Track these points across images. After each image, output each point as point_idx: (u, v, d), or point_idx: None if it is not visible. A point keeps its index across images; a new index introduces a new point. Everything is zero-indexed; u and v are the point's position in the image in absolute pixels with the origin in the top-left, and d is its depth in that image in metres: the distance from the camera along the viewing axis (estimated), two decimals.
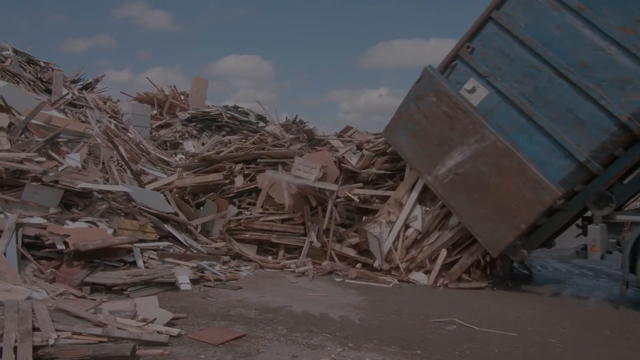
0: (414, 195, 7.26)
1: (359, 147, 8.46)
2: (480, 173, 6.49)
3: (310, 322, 5.00)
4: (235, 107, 16.96)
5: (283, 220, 8.06)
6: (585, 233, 6.97)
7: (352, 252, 7.45)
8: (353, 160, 8.07)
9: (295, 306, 5.55)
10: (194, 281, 6.20)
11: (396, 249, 7.12)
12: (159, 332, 4.24)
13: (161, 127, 15.44)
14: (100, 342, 3.76)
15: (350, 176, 7.99)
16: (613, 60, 5.90)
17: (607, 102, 5.91)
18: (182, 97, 17.19)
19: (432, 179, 6.93)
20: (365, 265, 7.32)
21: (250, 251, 7.92)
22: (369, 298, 6.08)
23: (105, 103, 13.95)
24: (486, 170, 6.44)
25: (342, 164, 7.99)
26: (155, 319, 4.50)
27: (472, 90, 6.72)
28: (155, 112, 16.00)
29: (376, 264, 7.14)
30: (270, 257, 7.88)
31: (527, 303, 6.13)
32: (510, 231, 6.37)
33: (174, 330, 4.38)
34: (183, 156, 13.44)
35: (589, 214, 6.75)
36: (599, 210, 6.29)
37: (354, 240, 7.49)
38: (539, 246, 6.93)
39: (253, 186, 8.46)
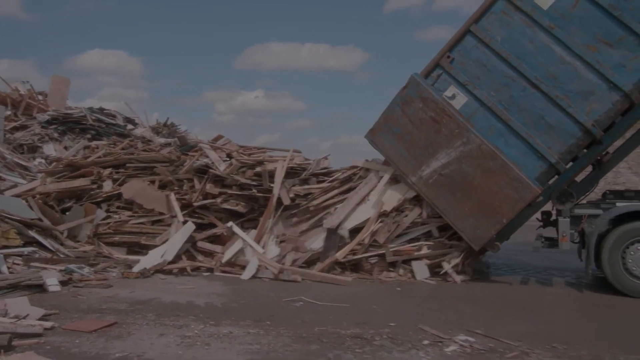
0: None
1: (229, 156, 8.87)
2: (465, 173, 7.07)
3: (178, 309, 5.50)
4: (101, 109, 15.68)
5: (154, 222, 8.37)
6: (546, 226, 7.89)
7: (218, 249, 7.92)
8: (221, 167, 8.46)
9: (164, 298, 6.02)
10: (63, 283, 6.35)
11: None
12: (32, 326, 4.48)
13: (16, 129, 13.94)
14: None
15: (217, 180, 8.43)
16: (579, 73, 6.74)
17: (574, 111, 6.75)
18: (40, 97, 15.70)
19: (417, 180, 7.40)
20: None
21: (120, 253, 8.10)
22: (232, 287, 6.76)
23: None
24: (471, 171, 7.04)
25: (210, 169, 8.41)
26: (27, 314, 4.72)
27: (453, 97, 7.28)
28: (9, 112, 14.36)
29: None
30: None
31: (371, 286, 7.11)
32: (493, 226, 7.03)
33: (48, 323, 4.61)
34: (43, 160, 12.38)
35: (545, 209, 7.71)
36: (562, 205, 7.16)
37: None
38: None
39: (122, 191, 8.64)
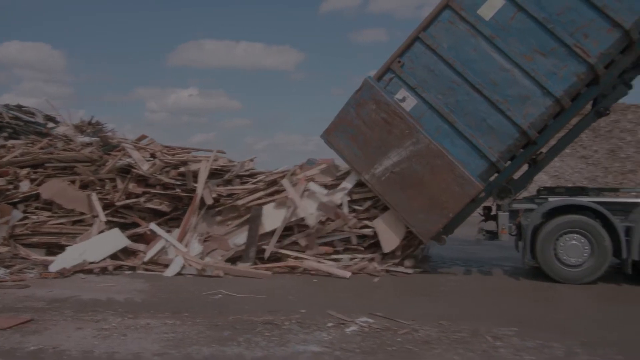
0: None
1: (153, 156, 9.01)
2: (415, 171, 7.56)
3: (97, 305, 5.68)
4: (19, 107, 15.14)
5: (74, 223, 8.42)
6: (487, 220, 8.53)
7: (141, 247, 8.10)
8: (144, 167, 8.59)
9: (83, 295, 6.15)
10: None
11: None
12: None
13: None
14: None
15: (140, 180, 8.57)
16: (516, 80, 7.36)
17: (512, 114, 7.37)
18: None
19: (370, 177, 7.83)
20: None
21: (38, 254, 8.07)
22: (154, 284, 6.99)
23: None
24: (420, 169, 7.53)
25: (133, 169, 8.53)
26: None
27: (403, 100, 7.76)
28: None
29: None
30: None
31: (290, 279, 7.53)
32: (440, 220, 7.56)
33: None
34: None
35: (486, 204, 8.36)
36: (501, 200, 7.81)
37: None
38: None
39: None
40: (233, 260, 8.05)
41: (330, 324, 5.15)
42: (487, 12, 7.43)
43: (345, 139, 7.95)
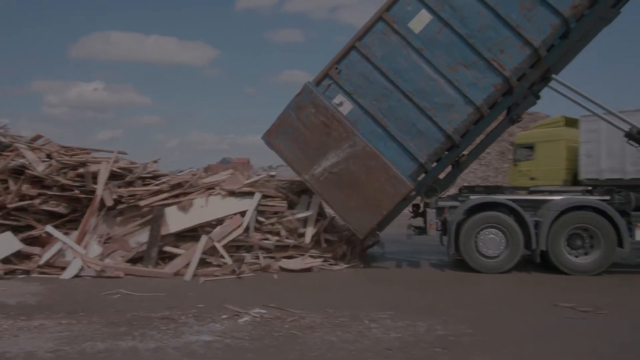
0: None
1: (49, 156, 8.83)
2: (352, 172, 8.07)
3: None
4: None
5: None
6: (415, 216, 9.24)
7: (36, 251, 8.07)
8: (40, 167, 8.45)
9: None
10: None
11: None
12: None
13: None
14: None
15: (35, 181, 8.43)
16: (442, 89, 8.08)
17: (438, 120, 8.08)
18: None
19: (309, 177, 8.25)
20: None
21: None
22: (49, 287, 7.02)
23: None
24: (357, 169, 8.05)
25: (27, 170, 8.35)
26: None
27: (340, 104, 8.25)
28: None
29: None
30: None
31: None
32: (375, 217, 8.13)
33: None
34: None
35: (415, 202, 9.07)
36: (429, 198, 8.52)
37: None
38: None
39: None
40: (135, 260, 8.09)
41: (224, 316, 5.53)
42: (416, 25, 8.09)
43: (285, 140, 8.31)
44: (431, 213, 8.39)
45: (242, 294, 6.64)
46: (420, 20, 8.08)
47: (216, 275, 7.71)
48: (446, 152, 8.48)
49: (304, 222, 8.70)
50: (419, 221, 9.04)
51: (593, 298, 6.48)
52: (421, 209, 9.05)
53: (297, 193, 9.25)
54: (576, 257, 8.02)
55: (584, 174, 12.22)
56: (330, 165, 8.15)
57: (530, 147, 16.04)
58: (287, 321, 5.37)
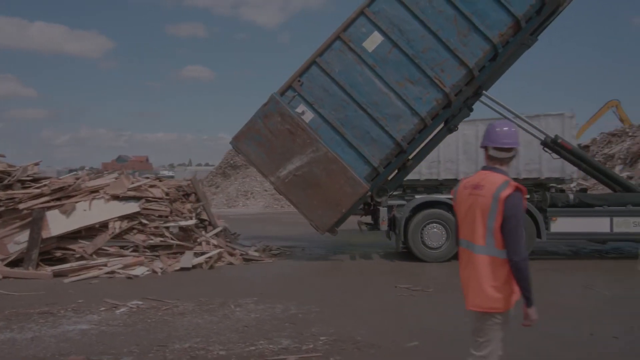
0: None
1: None
2: (314, 174, 8.99)
3: None
4: None
5: None
6: (366, 214, 10.32)
7: None
8: None
9: None
10: None
11: None
12: None
13: None
14: None
15: None
16: (392, 102, 9.20)
17: (389, 129, 9.19)
18: None
19: (275, 179, 9.08)
20: None
21: None
22: None
23: None
24: (318, 172, 8.98)
25: None
26: None
27: (303, 113, 9.16)
28: None
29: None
30: None
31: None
32: (335, 215, 9.10)
33: None
34: None
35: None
36: (380, 198, 9.62)
37: None
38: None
39: None
40: (15, 263, 8.29)
41: (102, 309, 6.14)
42: (369, 45, 9.17)
43: (253, 145, 9.10)
44: (383, 211, 9.50)
45: (124, 290, 7.16)
46: (373, 41, 9.17)
47: (94, 276, 8.08)
48: (395, 157, 9.61)
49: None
50: (367, 218, 10.13)
51: (428, 280, 7.84)
52: (372, 208, 10.14)
53: (183, 196, 10.03)
54: None
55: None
56: (295, 169, 9.03)
57: None
58: (162, 310, 6.06)
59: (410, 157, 10.00)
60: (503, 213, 2.75)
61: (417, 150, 10.07)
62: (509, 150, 2.93)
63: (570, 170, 11.69)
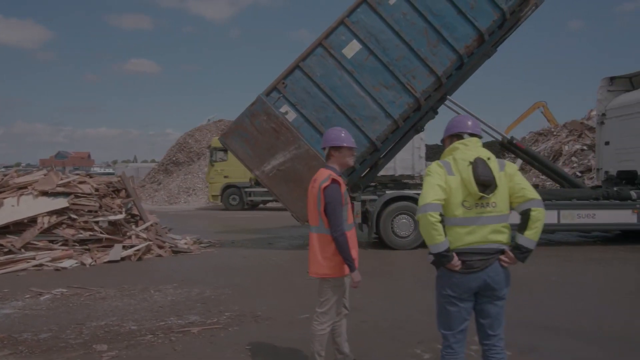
0: None
1: None
2: (296, 170, 9.79)
3: None
4: None
5: None
6: None
7: None
8: None
9: None
10: None
11: None
12: None
13: None
14: None
15: None
16: (368, 104, 10.09)
17: (365, 129, 10.07)
18: None
19: (260, 173, 9.84)
20: None
21: None
22: None
23: None
24: (300, 168, 9.78)
25: None
26: None
27: (286, 113, 9.93)
28: None
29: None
30: None
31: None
32: None
33: None
34: None
35: None
36: (355, 193, 10.52)
37: None
38: None
39: None
40: None
41: (27, 296, 6.53)
42: (349, 52, 10.02)
43: (240, 142, 9.82)
44: (357, 205, 10.40)
45: (50, 281, 7.58)
46: (352, 48, 10.02)
47: (22, 269, 8.44)
48: (370, 155, 10.52)
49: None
50: None
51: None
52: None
53: (113, 192, 10.64)
54: None
55: None
56: (279, 164, 9.80)
57: (224, 150, 20.26)
58: (84, 296, 6.57)
59: (382, 155, 10.94)
60: (324, 200, 3.58)
61: (388, 149, 11.03)
62: (338, 149, 3.72)
63: (419, 168, 13.40)
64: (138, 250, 9.56)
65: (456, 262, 3.02)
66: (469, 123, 3.33)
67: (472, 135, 3.27)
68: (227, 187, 21.87)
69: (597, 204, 10.55)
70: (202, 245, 11.24)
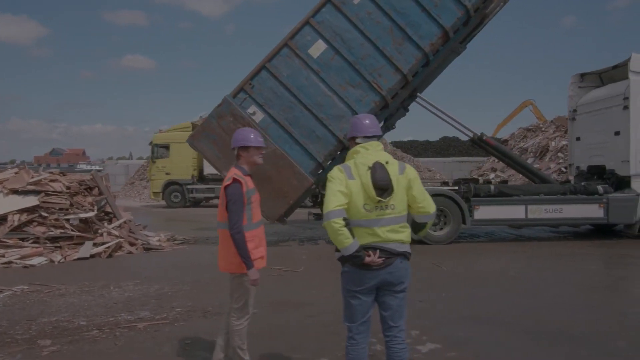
0: None
1: None
2: (265, 169, 9.84)
3: None
4: None
5: None
6: (314, 205, 11.30)
7: None
8: None
9: None
10: None
11: None
12: None
13: None
14: None
15: None
16: (335, 103, 10.18)
17: (332, 128, 10.17)
18: None
19: None
20: None
21: None
22: None
23: None
24: (269, 167, 9.84)
25: None
26: None
27: (254, 114, 10.03)
28: None
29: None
30: None
31: None
32: (283, 206, 10.03)
33: None
34: None
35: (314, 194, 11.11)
36: (324, 190, 10.61)
37: None
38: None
39: None
40: None
41: None
42: (314, 52, 10.11)
43: (208, 143, 9.91)
44: None
45: (15, 278, 7.65)
46: (317, 48, 10.11)
47: None
48: (338, 153, 10.61)
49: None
50: (317, 210, 11.11)
51: (311, 262, 8.90)
52: (319, 199, 11.13)
53: (85, 190, 10.73)
54: (434, 231, 10.62)
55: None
56: None
57: (166, 146, 20.72)
58: (44, 292, 6.67)
59: None
60: (225, 198, 3.68)
61: None
62: (246, 149, 3.85)
63: None
64: (108, 247, 9.65)
65: (374, 258, 3.13)
66: (367, 122, 3.44)
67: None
68: (169, 184, 21.21)
69: (564, 199, 10.65)
70: (176, 242, 11.33)
